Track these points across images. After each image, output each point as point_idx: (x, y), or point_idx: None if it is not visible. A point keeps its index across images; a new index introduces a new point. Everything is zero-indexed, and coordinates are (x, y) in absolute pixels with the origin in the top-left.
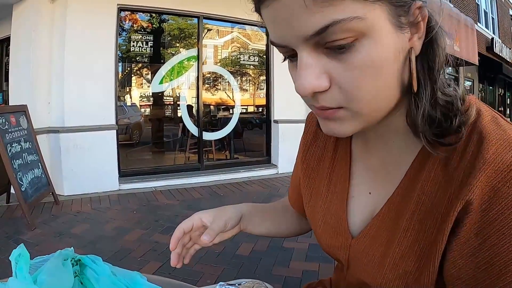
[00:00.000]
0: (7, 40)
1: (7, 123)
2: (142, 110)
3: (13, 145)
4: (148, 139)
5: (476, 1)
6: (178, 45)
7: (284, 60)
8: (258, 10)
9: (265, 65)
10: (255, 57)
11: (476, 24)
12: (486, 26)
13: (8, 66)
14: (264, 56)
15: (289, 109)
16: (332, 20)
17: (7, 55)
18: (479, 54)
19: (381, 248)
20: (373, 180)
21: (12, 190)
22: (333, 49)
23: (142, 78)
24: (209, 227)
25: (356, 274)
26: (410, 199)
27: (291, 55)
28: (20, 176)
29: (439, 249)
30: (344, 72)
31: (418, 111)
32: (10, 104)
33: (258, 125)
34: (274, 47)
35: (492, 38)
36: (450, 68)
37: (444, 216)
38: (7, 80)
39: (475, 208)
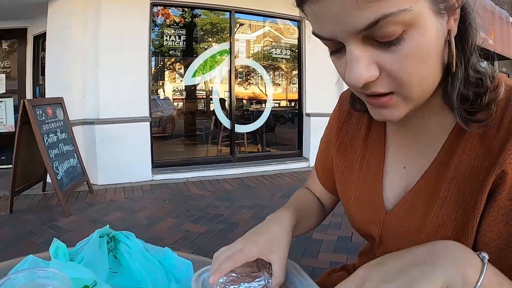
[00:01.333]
0: (43, 36)
1: (44, 114)
2: (175, 103)
3: (50, 135)
4: (181, 131)
5: None
6: (210, 39)
7: (331, 54)
8: (300, 5)
9: (297, 59)
10: (287, 51)
11: None
12: None
13: (44, 61)
14: (296, 50)
15: (321, 102)
16: (382, 15)
17: (43, 50)
18: None
19: (417, 220)
20: (408, 155)
21: (48, 179)
22: (381, 41)
23: (174, 72)
24: (276, 276)
25: (389, 248)
26: (448, 169)
27: (336, 49)
28: (56, 165)
29: (477, 215)
30: (393, 61)
31: (454, 89)
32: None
33: (290, 119)
34: (319, 39)
35: None
36: (484, 62)
37: (482, 183)
38: (43, 74)
39: (510, 174)
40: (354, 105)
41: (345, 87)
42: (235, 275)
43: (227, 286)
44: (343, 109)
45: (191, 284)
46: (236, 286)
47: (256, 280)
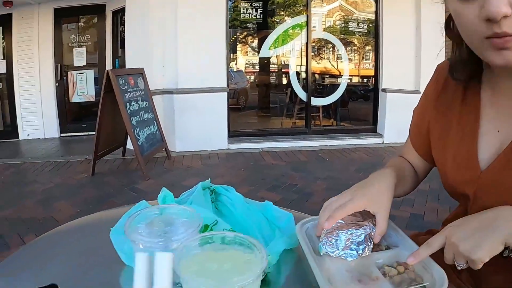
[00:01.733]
0: (121, 11)
1: (126, 84)
2: (248, 76)
3: (132, 103)
4: (254, 103)
5: None
6: (285, 12)
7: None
8: None
9: (374, 34)
10: (363, 24)
11: None
12: None
13: (123, 35)
14: (371, 25)
15: (397, 78)
16: None
17: (122, 24)
18: None
19: (511, 176)
20: (502, 119)
21: (128, 145)
22: None
23: (247, 45)
24: (379, 226)
25: (484, 204)
26: None
27: None
28: (137, 132)
29: None
30: None
31: None
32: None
33: (363, 95)
34: None
35: None
36: None
37: None
38: (122, 47)
39: None
40: (453, 74)
41: (426, 64)
42: (344, 222)
43: (336, 231)
44: (440, 80)
45: (296, 232)
46: (344, 231)
47: (362, 228)
